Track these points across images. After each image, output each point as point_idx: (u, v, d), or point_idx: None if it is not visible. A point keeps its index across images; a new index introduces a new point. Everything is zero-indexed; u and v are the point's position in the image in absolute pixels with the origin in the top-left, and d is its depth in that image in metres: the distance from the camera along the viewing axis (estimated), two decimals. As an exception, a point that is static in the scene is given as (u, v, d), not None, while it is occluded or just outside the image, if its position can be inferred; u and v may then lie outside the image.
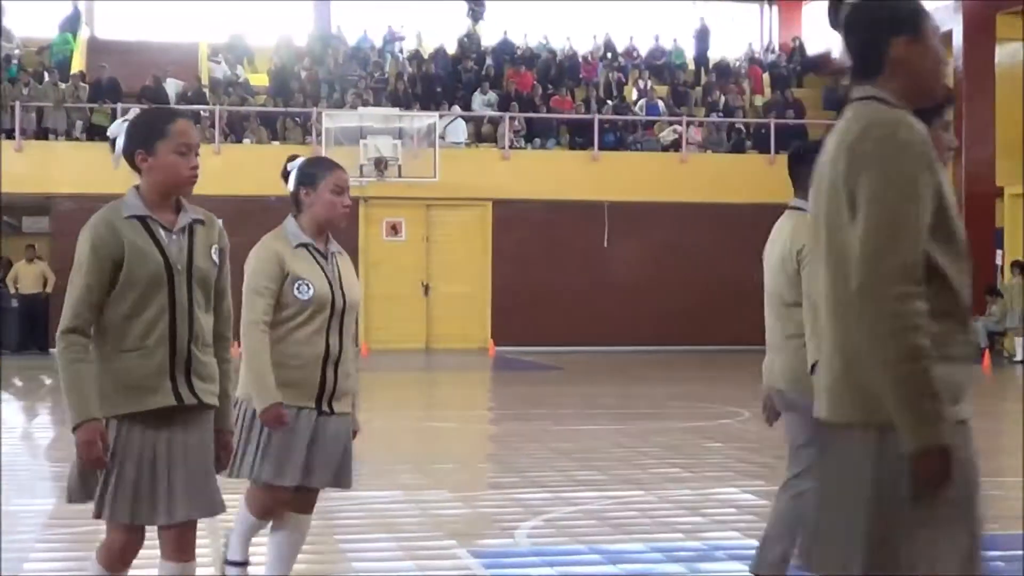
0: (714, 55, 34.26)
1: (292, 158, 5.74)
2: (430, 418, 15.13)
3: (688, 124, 30.08)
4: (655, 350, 27.74)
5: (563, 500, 9.18)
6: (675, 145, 29.81)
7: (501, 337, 27.52)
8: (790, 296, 5.76)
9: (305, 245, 5.55)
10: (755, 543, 7.66)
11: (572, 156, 29.20)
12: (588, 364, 24.39)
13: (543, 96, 30.69)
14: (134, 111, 4.79)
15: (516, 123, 29.24)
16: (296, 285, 5.47)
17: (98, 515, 4.57)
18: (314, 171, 5.62)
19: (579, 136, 29.55)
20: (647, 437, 13.02)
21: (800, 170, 5.86)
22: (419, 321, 27.88)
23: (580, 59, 32.74)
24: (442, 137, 28.09)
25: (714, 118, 31.04)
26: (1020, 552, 7.33)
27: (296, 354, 5.48)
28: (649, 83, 31.98)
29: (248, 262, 5.54)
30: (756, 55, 34.74)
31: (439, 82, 30.59)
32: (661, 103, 31.27)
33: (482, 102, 29.90)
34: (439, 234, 28.17)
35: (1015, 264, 25.91)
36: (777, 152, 29.72)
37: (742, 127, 30.78)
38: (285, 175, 5.69)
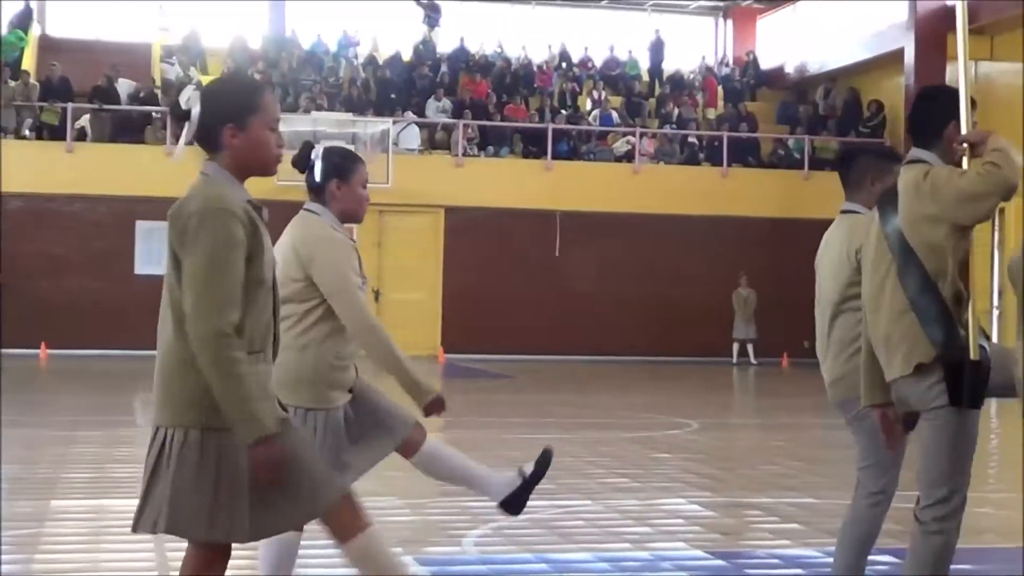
0: (668, 67, 34.38)
1: (310, 145, 5.50)
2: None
3: (641, 135, 30.17)
4: (606, 360, 27.80)
5: (511, 509, 9.15)
6: (628, 156, 29.89)
7: (452, 344, 27.49)
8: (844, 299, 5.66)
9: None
10: (701, 554, 7.71)
11: (525, 165, 29.23)
12: (539, 373, 24.40)
13: (497, 104, 30.70)
14: (188, 90, 4.28)
15: (470, 131, 29.24)
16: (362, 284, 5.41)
17: (216, 539, 4.03)
18: (347, 164, 5.49)
19: (532, 145, 29.58)
20: (596, 447, 13.03)
21: (851, 173, 5.88)
22: (369, 327, 27.78)
23: (535, 68, 32.78)
24: (395, 143, 28.06)
25: (667, 130, 31.16)
26: (967, 566, 7.35)
27: (351, 353, 5.43)
28: (603, 93, 32.05)
29: (323, 257, 5.28)
30: (710, 68, 34.88)
31: (393, 88, 30.55)
32: (615, 114, 31.34)
33: (436, 109, 29.88)
34: (391, 240, 28.13)
35: (962, 281, 26.06)
36: (730, 165, 29.89)
37: (695, 139, 30.90)
38: (304, 163, 5.48)
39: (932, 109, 5.18)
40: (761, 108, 33.34)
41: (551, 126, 29.49)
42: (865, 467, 5.69)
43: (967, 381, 4.84)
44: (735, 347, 28.58)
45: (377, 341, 5.34)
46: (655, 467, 11.74)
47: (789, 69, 34.62)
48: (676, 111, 31.74)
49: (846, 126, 31.68)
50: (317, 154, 5.46)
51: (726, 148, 29.93)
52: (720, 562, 7.56)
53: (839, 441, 14.47)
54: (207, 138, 4.10)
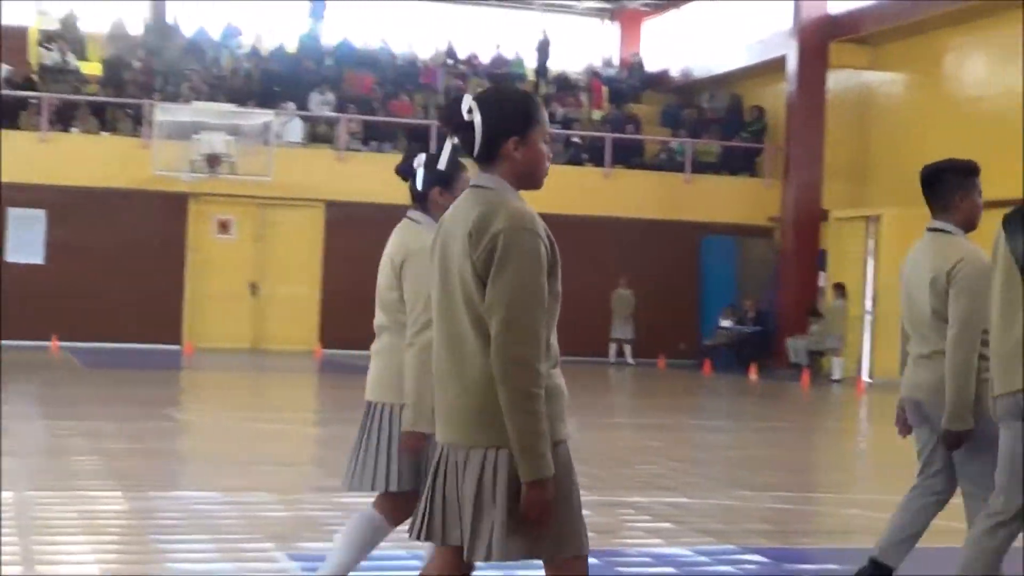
0: (555, 67, 34.49)
1: (413, 153, 5.54)
2: (254, 419, 14.92)
3: (525, 134, 30.19)
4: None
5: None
6: (512, 155, 29.89)
7: (330, 340, 27.32)
8: (939, 313, 5.87)
9: None
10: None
11: (410, 161, 29.09)
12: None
13: (382, 99, 30.57)
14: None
15: (353, 125, 29.08)
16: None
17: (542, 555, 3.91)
18: (451, 171, 5.40)
19: (417, 142, 29.48)
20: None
21: (937, 192, 6.04)
22: (246, 321, 27.53)
23: (421, 64, 32.70)
24: (278, 136, 27.81)
25: (551, 129, 31.16)
26: (835, 566, 7.45)
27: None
28: (488, 92, 32.02)
29: (411, 269, 5.31)
30: (596, 69, 35.06)
31: (277, 80, 30.28)
32: (499, 112, 31.33)
33: (320, 102, 29.67)
34: (270, 234, 27.85)
35: (837, 286, 26.51)
36: (613, 166, 30.05)
37: (579, 140, 31.03)
38: (407, 172, 5.52)
39: None
40: (645, 110, 33.58)
41: (435, 123, 29.40)
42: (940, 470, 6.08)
43: None
44: (613, 347, 28.75)
45: (418, 357, 5.22)
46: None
47: (674, 72, 34.91)
48: (561, 111, 31.85)
49: (729, 130, 32.02)
50: (420, 162, 5.48)
51: (609, 149, 30.09)
52: (593, 560, 7.50)
53: (714, 443, 14.66)
54: (487, 149, 3.98)
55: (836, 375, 25.52)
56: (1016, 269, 5.19)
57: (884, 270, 25.64)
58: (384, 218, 29.56)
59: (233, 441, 13.01)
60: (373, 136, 29.49)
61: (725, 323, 28.96)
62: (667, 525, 8.84)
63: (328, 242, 28.09)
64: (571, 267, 25.05)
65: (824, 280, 28.26)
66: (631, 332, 28.57)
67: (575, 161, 30.47)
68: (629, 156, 30.74)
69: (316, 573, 5.68)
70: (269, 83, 30.05)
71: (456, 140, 4.01)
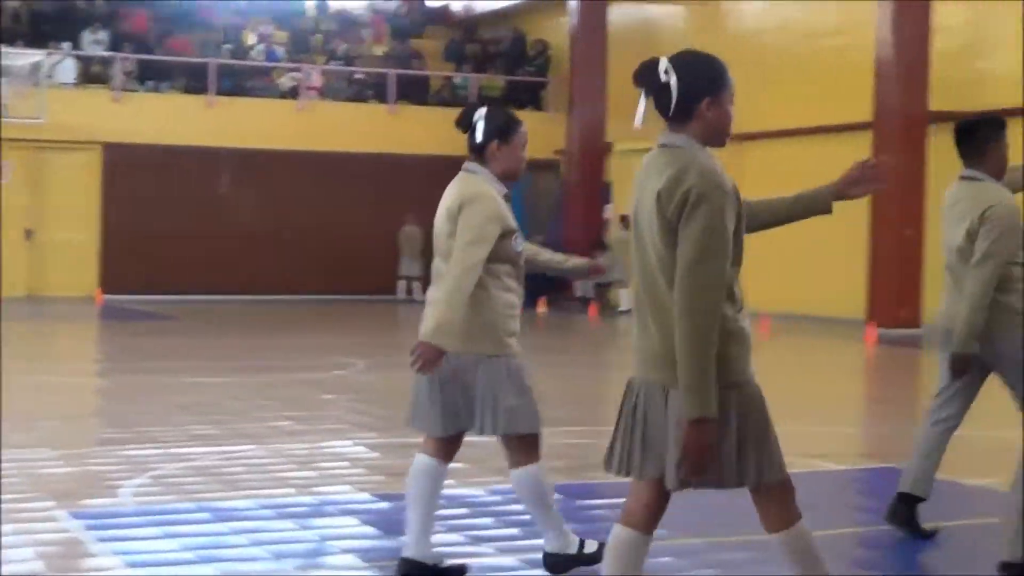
0: (335, 4, 34.00)
1: (473, 108, 5.65)
2: (32, 371, 14.43)
3: (307, 72, 29.79)
4: (272, 299, 27.46)
5: (173, 456, 8.89)
6: (293, 92, 29.48)
7: (111, 285, 26.65)
8: (966, 252, 6.35)
9: (505, 196, 5.61)
10: (367, 496, 7.63)
11: (187, 100, 28.45)
12: (205, 314, 23.90)
13: (158, 37, 29.74)
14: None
15: (128, 64, 28.24)
16: (514, 237, 5.58)
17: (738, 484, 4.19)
18: (508, 125, 5.61)
19: (195, 80, 28.81)
20: (263, 389, 12.81)
21: (972, 143, 6.49)
22: (21, 267, 26.65)
23: (198, 1, 31.87)
24: (49, 76, 26.87)
25: (334, 66, 30.84)
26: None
27: (517, 303, 5.65)
28: (268, 29, 31.47)
29: (469, 210, 5.43)
30: (377, 5, 34.67)
31: (46, 19, 29.19)
32: (280, 49, 30.84)
33: (92, 41, 28.73)
34: (47, 178, 26.99)
35: (622, 218, 26.82)
36: (397, 102, 29.82)
37: (362, 76, 30.70)
38: (468, 124, 5.61)
39: None
40: (429, 46, 33.37)
41: (214, 61, 28.78)
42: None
43: None
44: (402, 285, 28.67)
45: (452, 292, 5.37)
46: (322, 409, 11.62)
47: (456, 7, 34.74)
48: (343, 47, 31.44)
49: (512, 65, 32.02)
50: (480, 115, 5.61)
51: (393, 85, 29.84)
52: (384, 504, 7.51)
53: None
54: (682, 110, 4.16)
55: (624, 306, 25.86)
56: None
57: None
58: (164, 159, 29.09)
59: (10, 395, 12.56)
60: (150, 75, 28.71)
61: (513, 257, 29.05)
62: (461, 465, 8.79)
63: (106, 185, 27.34)
64: (358, 206, 25.14)
65: (610, 212, 28.58)
66: (419, 269, 28.47)
67: (359, 98, 30.16)
68: (413, 92, 30.53)
69: (407, 539, 5.84)
70: (38, 22, 28.96)
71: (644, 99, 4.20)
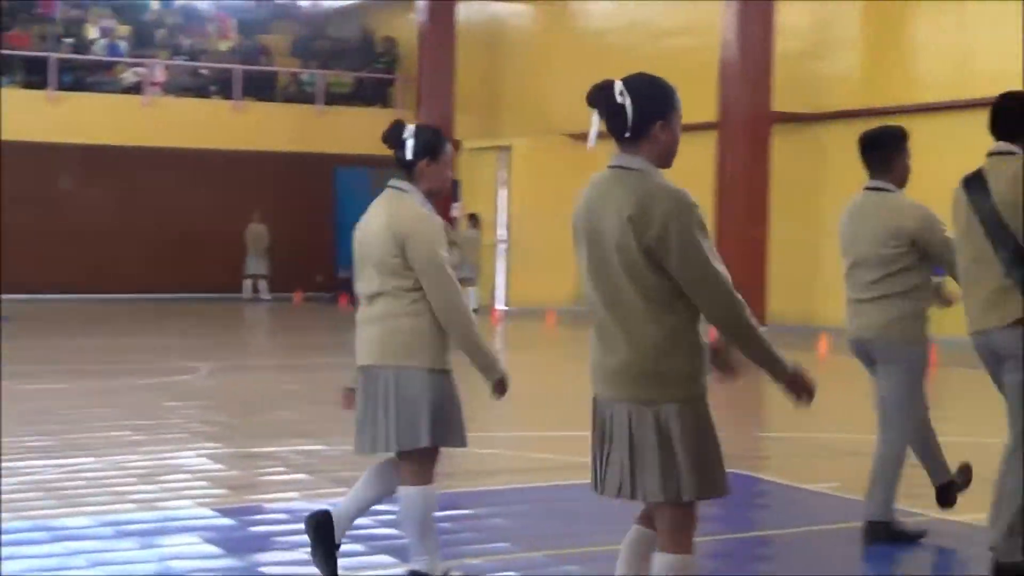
0: (179, -4, 33.48)
1: (402, 124, 5.67)
2: None
3: (151, 67, 29.26)
4: (113, 298, 26.93)
5: (8, 471, 8.58)
6: (137, 87, 28.93)
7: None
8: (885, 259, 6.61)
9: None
10: (209, 512, 7.46)
11: (27, 95, 27.75)
12: (40, 313, 23.35)
13: (-4, 30, 28.97)
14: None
15: (-35, 57, 27.47)
16: (451, 252, 5.65)
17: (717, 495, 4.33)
18: (437, 143, 5.65)
19: (35, 75, 28.11)
20: (101, 396, 12.52)
21: (878, 154, 6.71)
22: None
23: (36, -7, 31.13)
24: None
25: (178, 61, 30.34)
26: (475, 511, 7.45)
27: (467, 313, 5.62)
28: (111, 23, 30.83)
29: (417, 235, 5.47)
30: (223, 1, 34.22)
31: None
32: (123, 44, 30.24)
33: (-74, 33, 27.88)
34: None
35: (470, 216, 26.79)
36: (243, 98, 29.45)
37: (207, 72, 30.24)
38: (396, 141, 5.61)
39: (1017, 109, 6.03)
40: (276, 41, 33.00)
41: (54, 55, 28.12)
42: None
43: None
44: (248, 283, 28.32)
45: (459, 321, 5.53)
46: (164, 417, 11.34)
47: (304, 3, 34.40)
48: (187, 42, 30.94)
49: (360, 62, 31.81)
50: (410, 133, 5.62)
51: (239, 81, 29.45)
52: (228, 520, 7.34)
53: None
54: (637, 131, 4.27)
55: (472, 305, 25.83)
56: (978, 224, 5.88)
57: (516, 199, 26.08)
58: (3, 154, 28.19)
59: None
60: (-13, 69, 27.97)
61: (361, 255, 28.87)
62: (303, 476, 8.69)
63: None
64: (202, 203, 24.69)
65: (458, 210, 28.52)
66: (266, 267, 28.19)
67: (203, 94, 29.71)
68: (260, 88, 30.17)
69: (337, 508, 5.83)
70: None
71: (604, 121, 4.31)
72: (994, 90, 19.40)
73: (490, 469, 9.02)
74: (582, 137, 26.78)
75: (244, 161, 28.68)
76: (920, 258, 6.56)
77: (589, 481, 4.43)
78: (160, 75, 29.51)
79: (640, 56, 25.05)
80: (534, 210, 26.98)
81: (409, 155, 5.60)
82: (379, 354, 5.57)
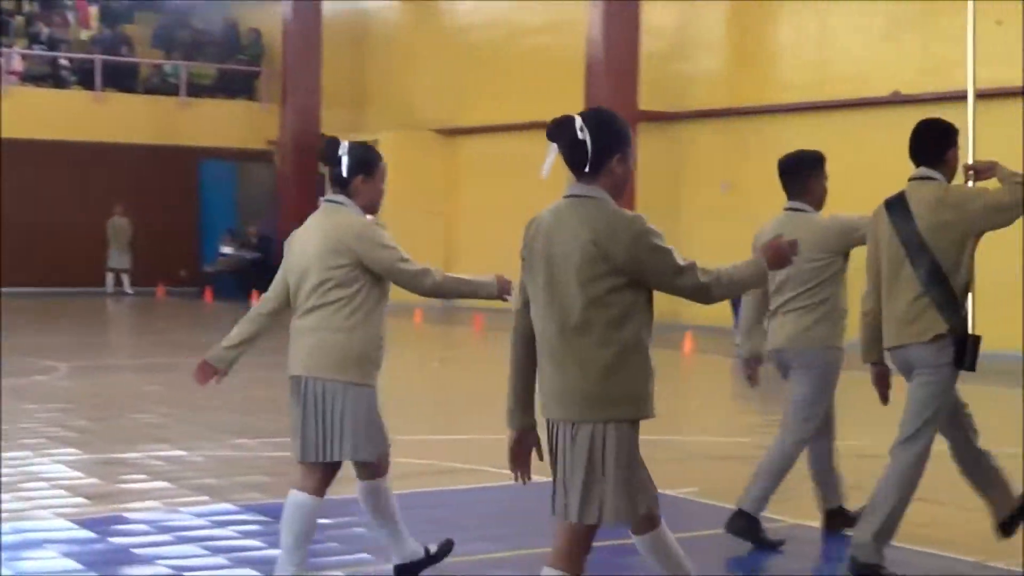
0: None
1: (337, 141, 5.79)
2: None
3: (8, 56, 28.62)
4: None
5: None
6: (-6, 77, 28.31)
7: None
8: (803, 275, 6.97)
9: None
10: (66, 524, 7.32)
11: None
12: None
13: None
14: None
15: None
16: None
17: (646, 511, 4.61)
18: (373, 161, 5.80)
19: None
20: (-45, 399, 12.19)
21: (797, 177, 7.07)
22: None
23: None
24: None
25: (36, 51, 29.72)
26: (337, 519, 7.40)
27: (382, 335, 5.77)
28: (-34, 9, 30.12)
29: (373, 245, 5.62)
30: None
31: None
32: (-21, 31, 29.57)
33: None
34: None
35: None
36: (104, 89, 28.95)
37: (67, 62, 29.68)
38: (332, 158, 5.75)
39: (936, 137, 6.40)
40: (138, 31, 32.47)
41: (-93, 42, 27.40)
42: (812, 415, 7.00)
43: (969, 350, 6.14)
44: (110, 277, 27.87)
45: (445, 290, 5.86)
46: (19, 421, 11.07)
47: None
48: (46, 31, 30.32)
49: (224, 53, 31.44)
50: (344, 150, 5.76)
51: (100, 71, 28.94)
52: (87, 533, 7.20)
53: (213, 384, 14.18)
54: (595, 164, 4.50)
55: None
56: (899, 244, 6.24)
57: (382, 194, 25.92)
58: None
59: None
60: None
61: (226, 249, 28.61)
62: (164, 484, 8.57)
63: None
64: (62, 195, 24.19)
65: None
66: (128, 261, 27.77)
67: (62, 84, 29.16)
68: (121, 79, 29.68)
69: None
70: None
71: (564, 153, 4.54)
72: (852, 93, 19.89)
73: (352, 476, 8.92)
74: (447, 132, 26.96)
75: (106, 153, 28.19)
76: (838, 270, 6.98)
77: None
78: (18, 64, 28.89)
79: (506, 53, 25.14)
80: (399, 204, 26.90)
81: (345, 172, 5.74)
82: (311, 367, 5.72)
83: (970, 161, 6.47)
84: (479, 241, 25.04)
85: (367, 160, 5.78)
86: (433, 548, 6.13)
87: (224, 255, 28.49)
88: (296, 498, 5.77)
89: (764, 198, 20.59)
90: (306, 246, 5.74)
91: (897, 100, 18.97)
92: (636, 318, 4.45)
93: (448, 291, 5.93)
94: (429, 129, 26.23)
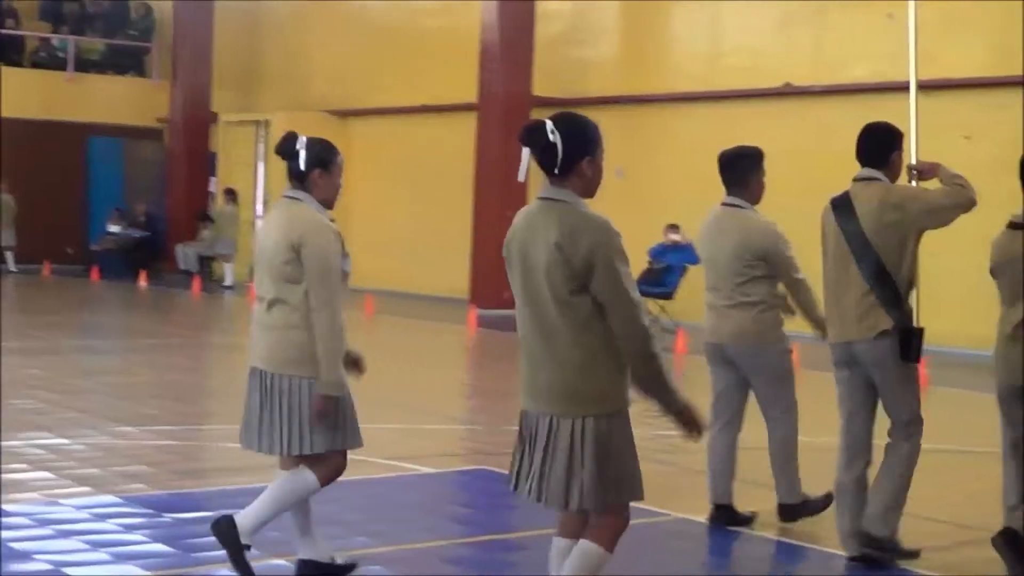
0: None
1: (295, 136, 5.90)
2: None
3: None
4: None
5: None
6: None
7: None
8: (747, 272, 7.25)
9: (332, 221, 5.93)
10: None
11: None
12: None
13: None
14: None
15: None
16: (344, 260, 5.92)
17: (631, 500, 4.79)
18: (330, 156, 5.91)
19: None
20: None
21: (736, 173, 7.31)
22: None
23: None
24: None
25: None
26: (226, 511, 7.27)
27: (342, 327, 5.80)
28: None
29: (317, 244, 5.74)
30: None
31: None
32: None
33: None
34: None
35: (227, 191, 26.36)
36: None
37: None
38: (289, 152, 5.86)
39: (881, 140, 6.66)
40: (24, 4, 31.78)
41: None
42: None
43: (914, 343, 6.46)
44: (-6, 254, 27.34)
45: (328, 324, 5.74)
46: None
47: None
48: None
49: (113, 28, 30.94)
50: (302, 144, 5.86)
51: (-14, 44, 28.36)
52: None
53: (98, 367, 14.03)
54: (566, 167, 4.70)
55: (228, 281, 25.42)
56: (845, 243, 6.53)
57: (274, 175, 25.65)
58: None
59: None
60: None
61: (113, 228, 28.19)
62: (44, 474, 8.38)
63: None
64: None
65: (215, 185, 28.04)
66: (13, 238, 27.23)
67: (-55, 57, 28.55)
68: (6, 52, 29.06)
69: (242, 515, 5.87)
70: None
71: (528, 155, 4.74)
72: (745, 83, 19.94)
73: (241, 466, 8.79)
74: (340, 113, 26.69)
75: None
76: (771, 269, 7.24)
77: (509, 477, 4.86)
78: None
79: (400, 35, 24.99)
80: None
81: (302, 166, 5.85)
82: (273, 362, 5.82)
83: (913, 161, 6.75)
84: (372, 224, 24.89)
85: (324, 155, 5.89)
86: (340, 560, 6.14)
87: (111, 233, 28.06)
88: (294, 474, 5.93)
89: (657, 185, 20.90)
90: (266, 241, 5.87)
91: (788, 92, 19.13)
92: (604, 319, 4.63)
93: (326, 333, 5.78)
94: (322, 110, 26.00)
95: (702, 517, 7.48)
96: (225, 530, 5.81)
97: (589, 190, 4.77)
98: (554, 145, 4.67)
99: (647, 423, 9.48)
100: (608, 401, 4.67)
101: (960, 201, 6.46)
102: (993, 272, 6.48)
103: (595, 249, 4.58)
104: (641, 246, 18.87)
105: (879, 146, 6.64)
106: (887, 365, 6.50)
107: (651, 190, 20.71)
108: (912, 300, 6.58)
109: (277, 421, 5.78)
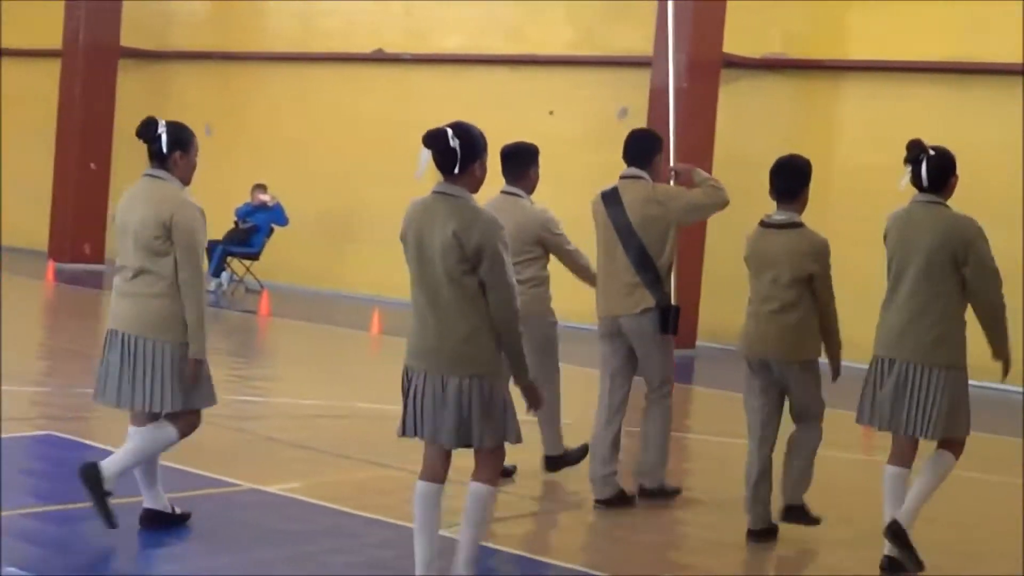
0: None
1: (154, 120, 6.47)
2: None
3: None
4: None
5: None
6: None
7: None
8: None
9: None
10: None
11: None
12: None
13: None
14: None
15: None
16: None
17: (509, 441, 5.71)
18: (188, 138, 6.55)
19: None
20: None
21: (516, 164, 8.11)
22: None
23: None
24: None
25: None
26: None
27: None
28: None
29: (186, 221, 6.35)
30: None
31: None
32: None
33: None
34: None
35: None
36: None
37: None
38: (151, 135, 6.44)
39: (647, 144, 7.85)
40: None
41: None
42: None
43: (672, 319, 7.67)
44: None
45: (198, 295, 6.37)
46: None
47: None
48: None
49: None
50: (163, 128, 6.46)
51: None
52: None
53: None
54: (463, 167, 5.61)
55: None
56: (614, 231, 7.66)
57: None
58: None
59: None
60: None
61: None
62: None
63: None
64: None
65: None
66: None
67: None
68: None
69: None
70: None
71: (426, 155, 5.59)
72: (337, 47, 19.81)
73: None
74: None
75: None
76: (543, 253, 8.14)
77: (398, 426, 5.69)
78: None
79: None
80: None
81: (164, 148, 6.46)
82: (137, 327, 6.36)
83: (671, 164, 8.10)
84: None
85: (183, 137, 6.51)
86: (179, 510, 6.68)
87: None
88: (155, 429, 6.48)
89: (246, 144, 20.64)
90: (131, 215, 6.40)
91: (379, 58, 19.23)
92: (486, 297, 5.53)
93: (194, 303, 6.39)
94: None
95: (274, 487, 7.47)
96: (91, 475, 6.22)
97: (476, 187, 5.67)
98: (454, 150, 5.55)
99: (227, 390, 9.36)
100: (488, 363, 5.56)
101: (716, 201, 7.70)
102: (752, 265, 7.26)
103: (485, 240, 5.48)
104: (228, 205, 18.64)
105: (646, 150, 7.78)
106: (648, 336, 7.65)
107: (240, 149, 20.46)
108: (671, 282, 7.75)
109: (141, 380, 6.34)
